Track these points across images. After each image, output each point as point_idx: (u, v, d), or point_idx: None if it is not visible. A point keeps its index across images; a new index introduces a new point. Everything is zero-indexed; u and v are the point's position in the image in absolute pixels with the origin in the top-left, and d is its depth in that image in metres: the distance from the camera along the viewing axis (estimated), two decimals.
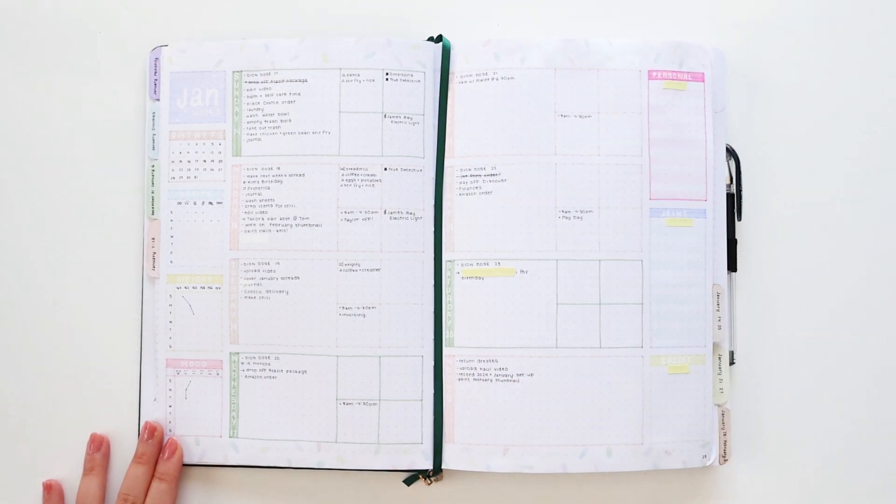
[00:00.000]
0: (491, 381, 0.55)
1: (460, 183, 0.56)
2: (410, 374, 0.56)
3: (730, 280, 0.57)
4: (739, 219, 0.57)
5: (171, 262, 0.57)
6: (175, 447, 0.56)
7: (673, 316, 0.55)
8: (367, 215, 0.56)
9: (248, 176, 0.57)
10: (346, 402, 0.56)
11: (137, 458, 0.56)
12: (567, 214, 0.55)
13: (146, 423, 0.56)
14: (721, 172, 0.57)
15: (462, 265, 0.56)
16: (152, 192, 0.58)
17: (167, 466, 0.55)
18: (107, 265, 0.58)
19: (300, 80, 0.57)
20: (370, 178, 0.56)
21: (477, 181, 0.56)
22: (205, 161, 0.57)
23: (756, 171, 0.58)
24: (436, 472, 0.55)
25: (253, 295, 0.56)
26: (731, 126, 0.58)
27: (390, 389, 0.55)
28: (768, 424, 0.57)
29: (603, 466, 0.54)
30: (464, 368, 0.55)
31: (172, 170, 0.57)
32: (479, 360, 0.55)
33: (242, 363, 0.56)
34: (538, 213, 0.55)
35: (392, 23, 0.59)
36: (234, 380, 0.56)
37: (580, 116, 0.56)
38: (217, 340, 0.56)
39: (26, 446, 0.58)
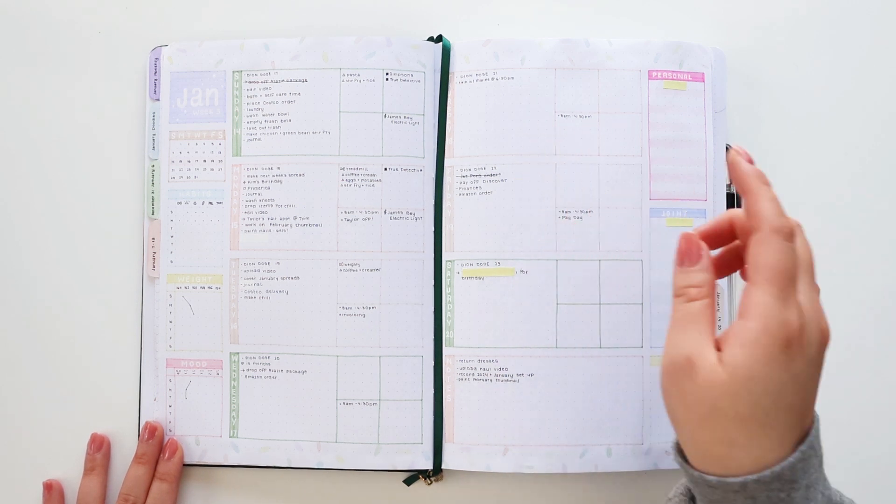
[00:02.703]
0: (491, 381, 0.55)
1: (460, 183, 0.56)
2: (410, 374, 0.56)
3: (730, 280, 0.57)
4: None
5: (172, 262, 0.57)
6: (176, 447, 0.56)
7: None
8: (367, 215, 0.56)
9: (248, 176, 0.57)
10: (346, 402, 0.56)
11: (138, 459, 0.56)
12: (567, 214, 0.55)
13: (146, 423, 0.56)
14: (721, 172, 0.57)
15: (462, 265, 0.56)
16: (152, 192, 0.58)
17: (168, 467, 0.55)
18: (107, 265, 0.58)
19: (300, 80, 0.57)
20: (370, 178, 0.56)
21: (477, 181, 0.56)
22: (205, 161, 0.57)
23: None
24: (436, 472, 0.55)
25: (253, 295, 0.56)
26: (731, 126, 0.58)
27: (390, 389, 0.55)
28: None
29: (603, 466, 0.54)
30: (464, 368, 0.55)
31: (172, 170, 0.57)
32: (479, 360, 0.55)
33: (242, 363, 0.56)
34: (538, 213, 0.55)
35: (392, 23, 0.59)
36: (234, 380, 0.56)
37: (580, 116, 0.56)
38: (217, 340, 0.57)
39: (26, 446, 0.58)
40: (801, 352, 0.38)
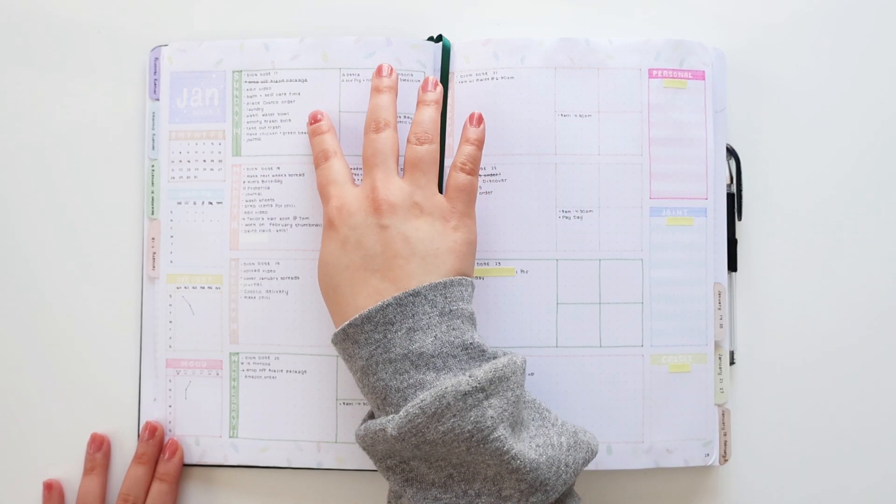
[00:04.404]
0: None
1: None
2: None
3: (730, 280, 0.57)
4: (740, 218, 0.57)
5: (171, 262, 0.57)
6: (176, 448, 0.56)
7: (673, 315, 0.55)
8: None
9: (248, 176, 0.57)
10: (346, 402, 0.56)
11: (138, 459, 0.56)
12: (567, 214, 0.55)
13: (147, 423, 0.56)
14: (721, 172, 0.56)
15: None
16: (152, 192, 0.58)
17: (168, 467, 0.55)
18: (107, 265, 0.58)
19: (300, 80, 0.57)
20: None
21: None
22: (205, 161, 0.57)
23: (756, 171, 0.58)
24: None
25: (253, 295, 0.56)
26: (732, 126, 0.58)
27: None
28: (768, 424, 0.57)
29: (603, 465, 0.54)
30: None
31: (172, 170, 0.57)
32: None
33: (242, 363, 0.56)
34: (538, 213, 0.55)
35: (392, 22, 0.59)
36: (234, 380, 0.56)
37: (580, 116, 0.56)
38: (217, 340, 0.56)
39: (26, 446, 0.58)
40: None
